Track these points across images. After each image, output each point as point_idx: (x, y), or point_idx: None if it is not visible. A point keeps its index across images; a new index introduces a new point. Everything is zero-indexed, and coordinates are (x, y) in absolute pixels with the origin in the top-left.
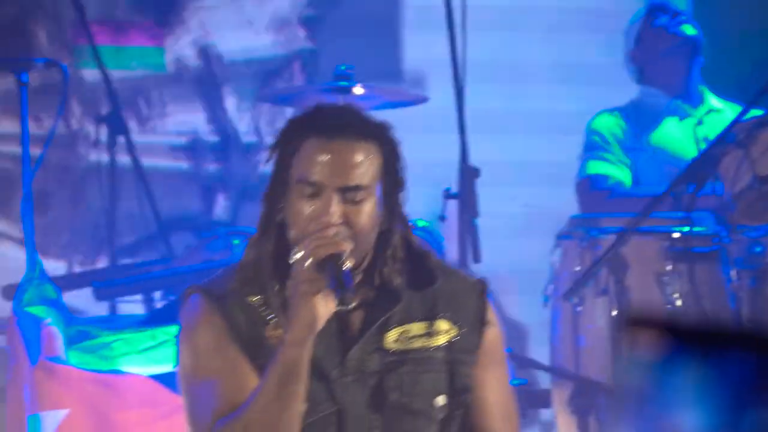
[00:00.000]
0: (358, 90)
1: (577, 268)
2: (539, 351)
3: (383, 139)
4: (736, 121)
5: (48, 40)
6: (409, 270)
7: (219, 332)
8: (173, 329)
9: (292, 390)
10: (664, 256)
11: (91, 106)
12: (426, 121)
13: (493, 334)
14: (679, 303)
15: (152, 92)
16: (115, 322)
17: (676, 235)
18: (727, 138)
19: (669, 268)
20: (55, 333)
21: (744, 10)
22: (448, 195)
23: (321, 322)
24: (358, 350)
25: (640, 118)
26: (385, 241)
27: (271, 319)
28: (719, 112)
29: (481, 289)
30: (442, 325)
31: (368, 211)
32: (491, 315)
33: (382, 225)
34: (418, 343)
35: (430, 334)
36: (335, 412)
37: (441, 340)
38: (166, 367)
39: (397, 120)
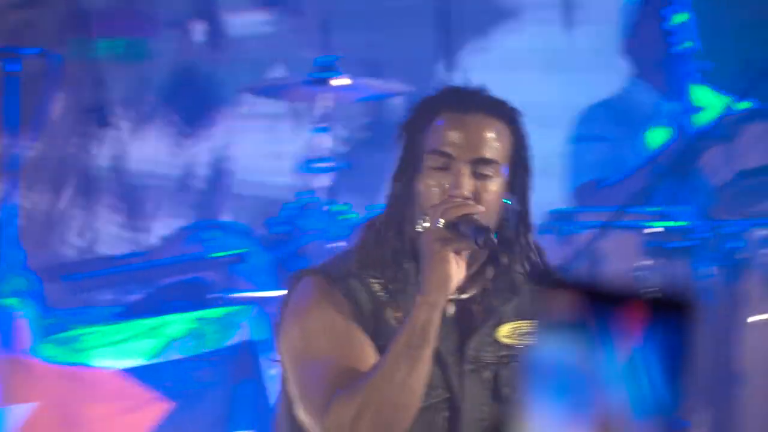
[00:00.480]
0: (342, 81)
1: (556, 263)
2: None
3: (514, 121)
4: (721, 116)
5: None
6: (530, 262)
7: (339, 312)
8: (148, 322)
9: (421, 352)
10: (640, 251)
11: (75, 99)
12: None
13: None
14: None
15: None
16: (89, 315)
17: (652, 230)
18: (711, 131)
19: (645, 263)
20: (26, 326)
21: (735, 5)
22: None
23: (454, 283)
24: (476, 340)
25: (628, 115)
26: (514, 231)
27: (392, 301)
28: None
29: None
30: None
31: (496, 189)
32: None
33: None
34: (528, 340)
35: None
36: (447, 400)
37: None
38: (139, 360)
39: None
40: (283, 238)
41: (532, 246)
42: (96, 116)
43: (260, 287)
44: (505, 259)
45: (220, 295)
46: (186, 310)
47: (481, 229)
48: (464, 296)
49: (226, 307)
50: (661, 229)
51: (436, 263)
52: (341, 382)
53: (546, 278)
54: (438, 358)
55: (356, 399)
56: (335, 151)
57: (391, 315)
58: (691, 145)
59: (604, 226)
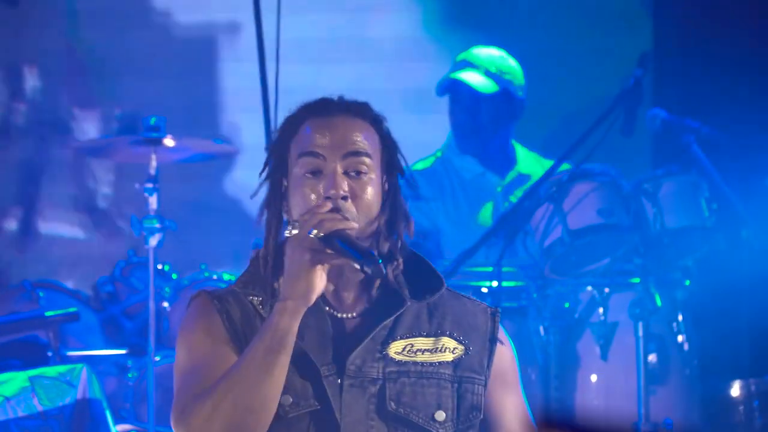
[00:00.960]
0: (168, 142)
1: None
2: None
3: (379, 122)
4: (547, 176)
5: None
6: (412, 273)
7: (211, 326)
8: None
9: (276, 358)
10: None
11: None
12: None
13: (505, 354)
14: None
15: None
16: None
17: (484, 289)
18: (538, 192)
19: None
20: None
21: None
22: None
23: (315, 295)
24: (359, 355)
25: (444, 181)
26: (388, 234)
27: (267, 316)
28: (529, 177)
29: (492, 312)
30: (449, 342)
31: (372, 187)
32: (502, 335)
33: (383, 215)
34: (423, 357)
35: (436, 349)
36: (317, 412)
37: (448, 356)
38: None
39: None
40: (112, 297)
41: (416, 256)
42: None
43: (89, 346)
44: (389, 274)
45: (55, 353)
46: (21, 368)
47: (368, 257)
48: (347, 315)
49: (61, 366)
50: (494, 287)
51: (303, 272)
52: (203, 385)
53: (436, 288)
54: (309, 369)
55: (209, 400)
56: (163, 211)
57: None
58: (520, 205)
59: None
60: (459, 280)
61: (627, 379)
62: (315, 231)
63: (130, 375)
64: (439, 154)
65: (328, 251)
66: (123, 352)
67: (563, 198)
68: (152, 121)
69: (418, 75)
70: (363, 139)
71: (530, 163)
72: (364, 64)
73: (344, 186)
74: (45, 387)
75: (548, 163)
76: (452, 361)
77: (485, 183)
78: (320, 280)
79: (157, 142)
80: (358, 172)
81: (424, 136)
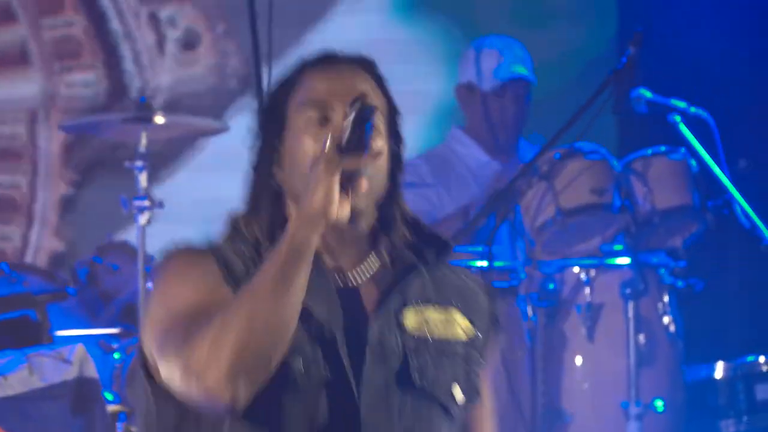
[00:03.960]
0: (159, 119)
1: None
2: None
3: (384, 84)
4: (538, 154)
5: None
6: (418, 240)
7: (205, 267)
8: None
9: (296, 271)
10: None
11: None
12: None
13: (499, 339)
14: None
15: None
16: None
17: (475, 268)
18: (530, 171)
19: None
20: None
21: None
22: None
23: (333, 207)
24: (378, 325)
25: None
26: (393, 200)
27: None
28: None
29: (491, 291)
30: (458, 317)
31: (381, 144)
32: (501, 319)
33: (389, 182)
34: (438, 331)
35: (448, 322)
36: (331, 383)
37: (461, 334)
38: None
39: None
40: (90, 279)
41: (418, 222)
42: None
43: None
44: (394, 234)
45: (45, 333)
46: (15, 347)
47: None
48: (354, 280)
49: (57, 344)
50: (482, 269)
51: (320, 182)
52: (205, 317)
53: (444, 252)
54: (320, 334)
55: (217, 321)
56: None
57: None
58: (511, 184)
59: None
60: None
61: (614, 361)
62: (331, 141)
63: (116, 356)
64: (440, 144)
65: (340, 155)
66: (115, 331)
67: (555, 176)
68: (143, 99)
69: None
70: (367, 85)
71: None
72: None
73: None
74: (42, 365)
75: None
76: (465, 340)
77: (491, 171)
78: (337, 191)
79: (148, 119)
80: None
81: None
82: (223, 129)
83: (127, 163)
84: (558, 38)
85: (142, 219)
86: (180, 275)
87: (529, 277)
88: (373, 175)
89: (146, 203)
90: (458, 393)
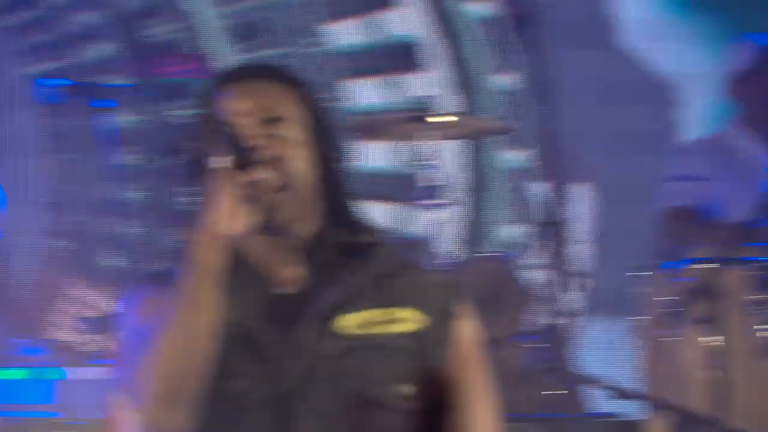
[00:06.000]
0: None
1: (668, 298)
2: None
3: (300, 86)
4: None
5: None
6: (354, 241)
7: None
8: None
9: (199, 296)
10: (754, 286)
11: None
12: None
13: (465, 328)
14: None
15: None
16: None
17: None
18: None
19: (759, 297)
20: None
21: None
22: (542, 223)
23: (229, 223)
24: (308, 332)
25: (726, 156)
26: (324, 207)
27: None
28: None
29: (451, 283)
30: (405, 313)
31: (298, 153)
32: (462, 308)
33: (321, 187)
34: (378, 329)
35: (392, 321)
36: (274, 396)
37: (406, 327)
38: None
39: None
40: None
41: (354, 215)
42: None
43: None
44: (337, 238)
45: None
46: None
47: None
48: (290, 291)
49: None
50: None
51: (210, 201)
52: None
53: (381, 261)
54: (256, 349)
55: (146, 358)
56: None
57: None
58: None
59: (718, 261)
60: (741, 255)
61: None
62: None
63: None
64: (716, 134)
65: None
66: None
67: None
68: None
69: None
70: (281, 101)
71: None
72: None
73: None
74: None
75: None
76: (411, 332)
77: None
78: (228, 203)
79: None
80: (281, 139)
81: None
82: (509, 129)
83: (416, 163)
84: None
85: (434, 218)
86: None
87: None
88: (285, 171)
89: (438, 203)
90: (406, 389)
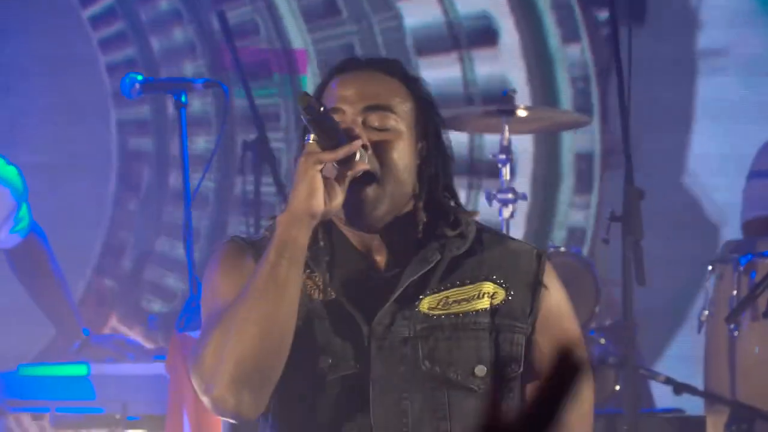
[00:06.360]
0: (521, 112)
1: (734, 293)
2: (694, 377)
3: (412, 81)
4: None
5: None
6: (450, 228)
7: (243, 269)
8: None
9: (285, 275)
10: None
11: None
12: None
13: (554, 299)
14: None
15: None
16: None
17: None
18: None
19: None
20: None
21: None
22: (612, 217)
23: (317, 200)
24: (387, 314)
25: None
26: (424, 196)
27: (310, 272)
28: None
29: (539, 253)
30: (488, 287)
31: (398, 144)
32: (550, 278)
33: (419, 183)
34: (458, 308)
35: (473, 297)
36: (352, 375)
37: (485, 303)
38: None
39: None
40: None
41: (453, 204)
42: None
43: None
44: (428, 222)
45: None
46: None
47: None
48: (388, 272)
49: None
50: None
51: (300, 179)
52: (216, 321)
53: (473, 244)
54: (350, 327)
55: (217, 329)
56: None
57: (308, 284)
58: None
59: None
60: None
61: None
62: (312, 135)
63: None
64: None
65: (326, 153)
66: None
67: None
68: (504, 92)
69: None
70: (388, 91)
71: None
72: None
73: (364, 137)
74: None
75: None
76: (490, 308)
77: None
78: (320, 184)
79: (510, 113)
80: (382, 128)
81: None
82: (585, 122)
83: (491, 156)
84: None
85: (506, 212)
86: (217, 272)
87: None
88: (382, 161)
89: (510, 196)
90: (480, 370)
